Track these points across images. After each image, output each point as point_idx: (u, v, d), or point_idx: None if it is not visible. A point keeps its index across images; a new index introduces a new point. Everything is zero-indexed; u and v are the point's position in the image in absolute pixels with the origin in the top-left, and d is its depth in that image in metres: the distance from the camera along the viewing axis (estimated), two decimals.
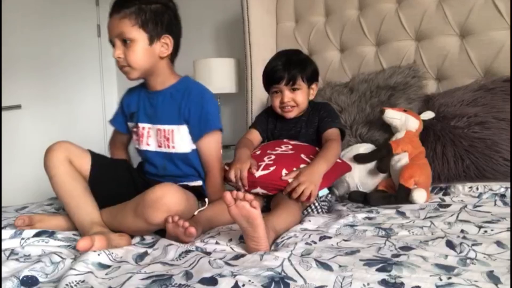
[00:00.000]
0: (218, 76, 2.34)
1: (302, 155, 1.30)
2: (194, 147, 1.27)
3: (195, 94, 1.23)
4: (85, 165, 1.20)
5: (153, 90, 1.27)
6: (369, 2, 1.92)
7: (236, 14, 2.35)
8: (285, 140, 1.41)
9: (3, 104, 2.60)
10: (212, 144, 1.25)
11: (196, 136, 1.24)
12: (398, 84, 1.70)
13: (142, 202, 1.02)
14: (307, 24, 2.11)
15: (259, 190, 1.26)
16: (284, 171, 1.24)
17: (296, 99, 1.40)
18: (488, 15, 1.62)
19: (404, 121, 1.46)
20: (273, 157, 1.29)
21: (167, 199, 1.00)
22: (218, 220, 1.14)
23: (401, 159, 1.39)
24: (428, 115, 1.49)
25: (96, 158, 1.23)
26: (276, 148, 1.35)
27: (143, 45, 1.16)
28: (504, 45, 1.59)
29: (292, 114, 1.42)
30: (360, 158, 1.45)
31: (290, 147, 1.35)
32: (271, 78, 1.41)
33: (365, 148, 1.52)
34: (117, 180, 1.24)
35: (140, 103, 1.30)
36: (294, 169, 1.24)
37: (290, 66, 1.38)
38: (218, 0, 2.61)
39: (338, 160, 1.36)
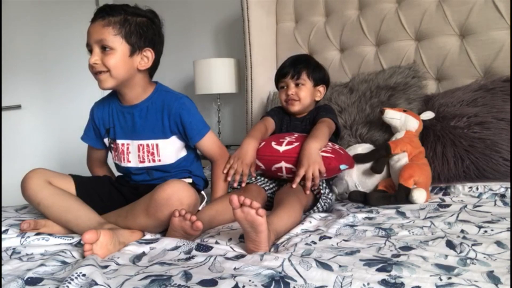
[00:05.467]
0: (218, 76, 2.34)
1: None
2: (180, 155, 1.27)
3: (176, 108, 1.20)
4: (68, 186, 1.18)
5: (126, 104, 1.24)
6: (369, 2, 1.92)
7: (236, 14, 2.35)
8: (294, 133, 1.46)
9: (3, 104, 2.60)
10: (208, 144, 1.28)
11: (191, 144, 1.26)
12: (398, 84, 1.70)
13: (153, 202, 1.02)
14: (307, 24, 2.11)
15: (283, 164, 1.29)
16: None
17: (299, 93, 1.46)
18: (488, 15, 1.62)
19: (404, 121, 1.46)
20: (294, 136, 1.36)
21: (179, 194, 1.02)
22: (220, 218, 1.14)
23: (400, 159, 1.39)
24: (428, 115, 1.49)
25: (78, 178, 1.22)
26: (292, 134, 1.41)
27: (122, 56, 1.14)
28: (504, 45, 1.59)
29: (295, 107, 1.47)
30: (358, 158, 1.45)
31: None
32: (279, 74, 1.51)
33: (363, 148, 1.52)
34: (105, 195, 1.23)
35: (114, 118, 1.26)
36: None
37: (296, 62, 1.49)
38: (218, 0, 2.61)
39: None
